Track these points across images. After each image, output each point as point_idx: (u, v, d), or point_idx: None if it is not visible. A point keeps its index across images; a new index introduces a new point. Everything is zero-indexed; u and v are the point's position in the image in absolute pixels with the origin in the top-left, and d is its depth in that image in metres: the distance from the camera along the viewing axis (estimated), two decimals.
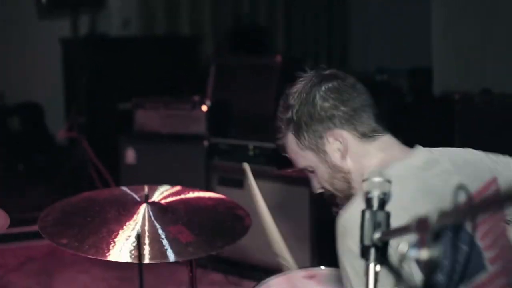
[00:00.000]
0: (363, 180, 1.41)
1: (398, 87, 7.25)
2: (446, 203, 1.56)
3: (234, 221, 2.40)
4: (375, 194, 1.38)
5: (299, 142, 1.84)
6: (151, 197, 2.54)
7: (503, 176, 1.79)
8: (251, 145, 4.47)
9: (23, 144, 6.76)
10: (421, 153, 1.79)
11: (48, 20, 6.95)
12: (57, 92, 7.04)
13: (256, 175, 4.35)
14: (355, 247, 1.50)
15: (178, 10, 7.64)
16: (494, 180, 1.77)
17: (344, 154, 1.79)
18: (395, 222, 1.40)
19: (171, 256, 2.10)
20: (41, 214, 2.40)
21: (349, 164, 1.80)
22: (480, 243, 1.66)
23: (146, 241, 2.15)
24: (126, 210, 2.35)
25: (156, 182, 4.82)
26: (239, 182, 4.46)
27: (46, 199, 5.86)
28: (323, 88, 1.80)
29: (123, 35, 7.23)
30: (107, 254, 2.08)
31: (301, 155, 1.86)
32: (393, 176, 1.56)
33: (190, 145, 4.75)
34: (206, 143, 4.69)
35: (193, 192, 2.65)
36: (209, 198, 2.61)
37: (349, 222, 1.56)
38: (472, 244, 1.63)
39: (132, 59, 6.75)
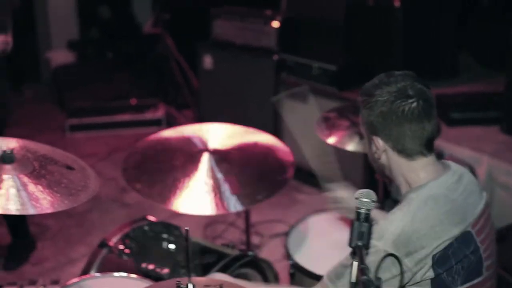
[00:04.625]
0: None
1: None
2: (468, 218, 2.02)
3: (278, 173, 2.84)
4: (363, 211, 1.83)
5: (363, 119, 2.15)
6: (213, 136, 2.99)
7: None
8: (315, 64, 4.85)
9: (112, 32, 7.28)
10: (450, 172, 2.10)
11: None
12: None
13: (318, 93, 4.81)
14: (384, 247, 1.93)
15: None
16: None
17: (379, 156, 2.13)
18: (423, 237, 1.92)
19: (230, 207, 2.62)
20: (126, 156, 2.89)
21: (383, 161, 2.13)
22: (483, 253, 2.07)
23: (209, 192, 2.66)
24: (191, 159, 2.83)
25: (229, 89, 5.35)
26: (304, 97, 4.91)
27: (132, 88, 6.47)
28: (394, 106, 2.02)
29: None
30: (171, 203, 2.60)
31: (362, 124, 2.18)
32: (427, 195, 2.02)
33: (261, 58, 5.17)
34: (275, 57, 5.10)
35: (250, 133, 3.09)
36: (263, 142, 3.04)
37: (387, 230, 1.96)
38: (478, 255, 2.06)
39: None
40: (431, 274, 1.97)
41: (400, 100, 2.02)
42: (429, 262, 1.95)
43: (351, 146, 3.08)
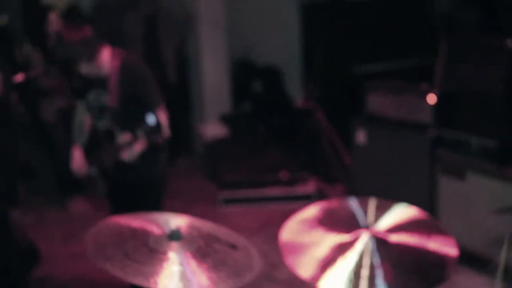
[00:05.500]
0: None
1: None
2: None
3: (437, 267, 2.63)
4: None
5: None
6: (378, 215, 2.85)
7: None
8: (474, 140, 4.67)
9: (264, 106, 7.41)
10: None
11: None
12: (296, 57, 7.58)
13: (477, 170, 4.60)
14: None
15: None
16: None
17: None
18: None
19: None
20: None
21: None
22: None
23: (364, 276, 2.51)
24: (348, 235, 2.70)
25: (382, 165, 5.24)
26: (462, 175, 4.71)
27: (283, 162, 6.51)
28: None
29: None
30: (318, 281, 2.43)
31: None
32: None
33: (416, 133, 5.04)
34: (431, 133, 4.96)
35: (415, 217, 2.93)
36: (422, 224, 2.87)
37: None
38: None
39: (369, 23, 6.97)
40: None
41: None
42: None
43: None
